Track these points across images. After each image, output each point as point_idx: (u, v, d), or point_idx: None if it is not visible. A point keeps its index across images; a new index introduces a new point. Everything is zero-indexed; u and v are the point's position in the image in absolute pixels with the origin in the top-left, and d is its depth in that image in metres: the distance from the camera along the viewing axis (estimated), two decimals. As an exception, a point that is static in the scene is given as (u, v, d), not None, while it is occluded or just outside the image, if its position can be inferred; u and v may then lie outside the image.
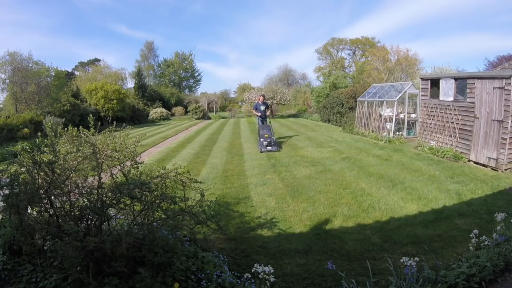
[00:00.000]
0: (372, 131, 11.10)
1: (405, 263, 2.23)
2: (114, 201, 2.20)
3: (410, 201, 4.54)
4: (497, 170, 6.05)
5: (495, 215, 3.04)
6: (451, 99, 7.57)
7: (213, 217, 2.78)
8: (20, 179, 2.10)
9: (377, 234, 3.59)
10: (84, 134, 2.41)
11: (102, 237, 2.02)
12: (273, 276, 2.13)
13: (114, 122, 3.14)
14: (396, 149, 8.31)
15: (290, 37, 71.83)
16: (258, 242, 3.44)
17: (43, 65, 17.99)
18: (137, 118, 26.01)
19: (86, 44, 64.10)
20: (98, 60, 39.22)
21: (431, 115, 8.35)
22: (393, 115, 10.26)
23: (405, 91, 10.27)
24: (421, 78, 9.27)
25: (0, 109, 17.52)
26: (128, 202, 2.27)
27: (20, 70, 16.76)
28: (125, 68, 40.98)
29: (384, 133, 10.27)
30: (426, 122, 8.61)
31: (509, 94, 5.80)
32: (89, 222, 2.30)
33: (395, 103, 10.19)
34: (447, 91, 7.74)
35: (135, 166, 2.47)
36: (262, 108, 9.81)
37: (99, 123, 16.22)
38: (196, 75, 50.50)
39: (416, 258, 2.24)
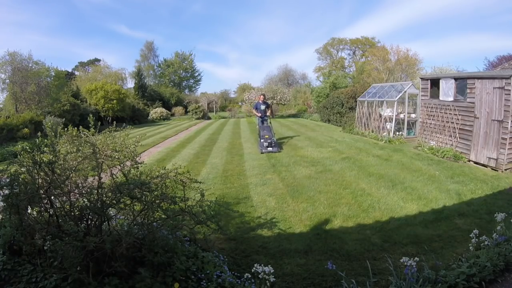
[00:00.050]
0: (372, 131, 11.10)
1: (405, 263, 2.23)
2: (114, 201, 2.20)
3: (410, 201, 4.54)
4: (497, 170, 6.05)
5: (495, 215, 3.03)
6: (451, 99, 7.57)
7: (213, 217, 2.78)
8: (20, 179, 2.10)
9: (377, 234, 3.59)
10: (84, 134, 2.41)
11: (102, 237, 2.02)
12: (273, 276, 2.13)
13: (114, 122, 3.14)
14: (396, 149, 8.31)
15: (290, 37, 71.94)
16: (258, 242, 3.44)
17: (43, 65, 18.00)
18: (137, 118, 26.01)
19: (86, 44, 64.23)
20: (98, 60, 39.25)
21: (431, 115, 8.35)
22: (393, 115, 10.26)
23: (405, 91, 10.28)
24: (421, 78, 9.27)
25: (0, 109, 17.53)
26: (128, 202, 2.27)
27: (20, 70, 16.76)
28: (125, 68, 41.05)
29: (384, 133, 10.27)
30: (426, 122, 8.61)
31: (509, 94, 5.80)
32: (89, 222, 2.30)
33: (395, 103, 10.19)
34: (447, 91, 7.74)
35: (135, 166, 2.47)
36: (263, 107, 9.59)
37: (99, 123, 16.21)
38: (196, 75, 50.55)
39: (416, 258, 2.24)
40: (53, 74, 18.84)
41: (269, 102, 12.33)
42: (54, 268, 2.02)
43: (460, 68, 17.60)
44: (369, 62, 26.68)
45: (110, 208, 2.28)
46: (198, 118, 25.91)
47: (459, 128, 7.26)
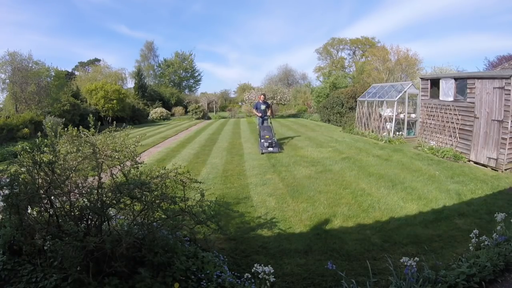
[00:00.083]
0: (372, 131, 11.10)
1: (405, 263, 2.23)
2: (114, 201, 2.20)
3: (410, 201, 4.54)
4: (497, 170, 6.05)
5: (495, 215, 3.03)
6: (451, 99, 7.57)
7: (213, 217, 2.78)
8: (20, 179, 2.10)
9: (377, 234, 3.59)
10: (84, 134, 2.41)
11: (102, 237, 2.02)
12: (273, 276, 2.13)
13: (114, 122, 3.14)
14: (396, 149, 8.31)
15: (290, 37, 71.94)
16: (258, 242, 3.44)
17: (43, 65, 18.00)
18: (137, 118, 26.01)
19: (86, 44, 64.24)
20: (98, 60, 39.25)
21: (431, 115, 8.35)
22: (393, 115, 10.26)
23: (405, 91, 10.28)
24: (421, 78, 9.27)
25: (0, 109, 17.53)
26: (128, 202, 2.27)
27: (20, 70, 16.77)
28: (125, 68, 41.06)
29: (384, 133, 10.27)
30: (426, 122, 8.61)
31: (509, 94, 5.80)
32: (89, 222, 2.30)
33: (395, 103, 10.19)
34: (447, 91, 7.74)
35: (135, 166, 2.47)
36: (263, 107, 9.47)
37: (99, 123, 16.23)
38: (196, 75, 50.54)
39: (416, 258, 2.24)
40: (53, 74, 18.85)
41: (269, 102, 12.22)
42: (54, 268, 2.02)
43: (460, 68, 17.63)
44: (369, 62, 26.68)
45: (110, 208, 2.28)
46: (198, 118, 25.91)
47: (459, 128, 7.26)
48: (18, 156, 2.22)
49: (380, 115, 10.91)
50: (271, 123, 9.51)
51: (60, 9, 56.59)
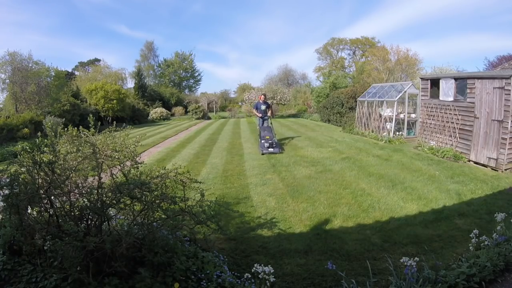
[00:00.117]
0: (372, 131, 11.10)
1: (405, 263, 2.23)
2: (114, 201, 2.20)
3: (410, 201, 4.54)
4: (497, 170, 6.05)
5: (495, 215, 3.03)
6: (451, 99, 7.57)
7: (213, 217, 2.78)
8: (20, 179, 2.10)
9: (377, 234, 3.59)
10: (84, 134, 2.41)
11: (102, 237, 2.02)
12: (273, 276, 2.13)
13: (114, 122, 3.14)
14: (396, 149, 8.31)
15: (290, 37, 71.92)
16: (258, 242, 3.44)
17: (43, 65, 18.01)
18: (137, 118, 26.01)
19: (86, 44, 64.22)
20: (98, 60, 39.25)
21: (431, 115, 8.35)
22: (393, 115, 10.26)
23: (405, 91, 10.28)
24: (421, 78, 9.27)
25: (0, 109, 17.53)
26: (128, 202, 2.27)
27: (20, 70, 16.77)
28: (125, 68, 41.07)
29: (384, 133, 10.27)
30: (426, 122, 8.61)
31: (509, 94, 5.80)
32: (89, 222, 2.30)
33: (395, 103, 10.19)
34: (447, 91, 7.74)
35: (135, 166, 2.47)
36: (263, 108, 9.35)
37: (99, 123, 16.23)
38: (196, 75, 50.52)
39: (416, 258, 2.24)
40: (53, 74, 18.86)
41: (269, 102, 12.15)
42: (54, 268, 2.02)
43: (460, 68, 17.63)
44: (369, 62, 26.69)
45: (110, 208, 2.28)
46: (198, 118, 25.91)
47: (459, 128, 7.26)
48: (18, 156, 2.22)
49: (380, 115, 10.91)
50: (271, 123, 9.43)
51: (60, 9, 56.68)
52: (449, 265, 2.67)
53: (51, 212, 2.22)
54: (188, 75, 49.41)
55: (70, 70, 35.08)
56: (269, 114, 9.47)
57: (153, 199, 2.29)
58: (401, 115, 10.42)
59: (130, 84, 35.16)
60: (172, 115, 30.30)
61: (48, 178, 2.14)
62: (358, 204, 4.46)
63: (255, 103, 10.04)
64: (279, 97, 25.23)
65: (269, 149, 8.24)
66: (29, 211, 2.24)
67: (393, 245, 3.32)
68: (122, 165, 2.42)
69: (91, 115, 2.65)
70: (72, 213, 2.26)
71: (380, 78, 20.61)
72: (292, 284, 2.69)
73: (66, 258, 1.92)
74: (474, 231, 2.91)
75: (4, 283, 2.03)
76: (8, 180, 2.08)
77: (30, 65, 17.35)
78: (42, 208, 2.23)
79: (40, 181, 2.16)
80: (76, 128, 2.41)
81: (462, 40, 52.64)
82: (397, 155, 7.61)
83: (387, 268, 2.58)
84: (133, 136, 2.81)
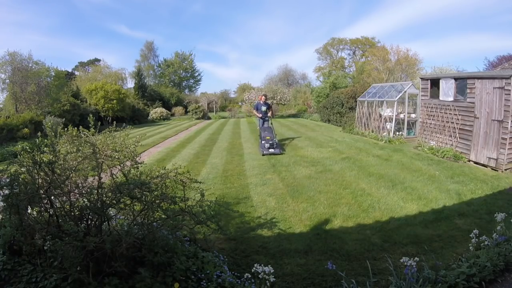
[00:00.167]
0: (372, 131, 11.10)
1: (405, 263, 2.23)
2: (114, 201, 2.20)
3: (410, 201, 4.54)
4: (497, 170, 6.05)
5: (495, 215, 3.03)
6: (451, 99, 7.57)
7: (213, 217, 2.78)
8: (20, 179, 2.10)
9: (377, 234, 3.59)
10: (84, 134, 2.41)
11: (102, 237, 2.02)
12: (273, 276, 2.13)
13: (114, 122, 3.14)
14: (396, 149, 8.31)
15: (290, 37, 71.96)
16: (258, 242, 3.44)
17: (43, 65, 18.01)
18: (137, 118, 26.01)
19: (86, 44, 64.23)
20: (98, 60, 39.26)
21: (431, 115, 8.35)
22: (393, 115, 10.26)
23: (405, 91, 10.28)
24: (421, 78, 9.27)
25: (0, 109, 17.53)
26: (128, 202, 2.27)
27: (20, 70, 16.77)
28: (125, 68, 41.09)
29: (384, 133, 10.27)
30: (426, 122, 8.61)
31: (509, 94, 5.80)
32: (89, 222, 2.30)
33: (395, 103, 10.19)
34: (447, 91, 7.74)
35: (135, 166, 2.47)
36: (264, 108, 9.24)
37: (99, 123, 16.17)
38: (196, 75, 50.52)
39: (416, 258, 2.24)
40: (53, 74, 18.85)
41: (269, 102, 12.08)
42: (54, 268, 2.02)
43: (460, 68, 17.64)
44: (369, 62, 26.69)
45: (110, 208, 2.28)
46: (198, 118, 25.91)
47: (459, 128, 7.26)
48: (18, 156, 2.22)
49: (380, 115, 10.91)
50: (271, 124, 9.33)
51: (60, 9, 56.68)
52: (449, 265, 2.67)
53: (51, 212, 2.22)
54: (188, 75, 49.41)
55: (70, 70, 35.13)
56: (269, 114, 9.37)
57: (153, 199, 2.29)
58: (401, 115, 10.42)
59: (130, 84, 35.23)
60: (172, 115, 30.30)
61: (48, 178, 2.14)
62: (358, 204, 4.46)
63: (256, 104, 9.92)
64: (279, 97, 25.24)
65: (270, 150, 8.16)
66: (29, 211, 2.24)
67: (393, 245, 3.32)
68: (122, 165, 2.42)
69: (91, 115, 2.65)
70: (72, 213, 2.26)
71: (380, 78, 20.61)
72: (292, 284, 2.69)
73: (66, 258, 1.92)
74: (474, 231, 2.91)
75: (4, 283, 2.03)
76: (8, 180, 2.08)
77: (30, 65, 17.36)
78: (42, 208, 2.23)
79: (40, 181, 2.16)
80: (76, 128, 2.41)
81: (462, 40, 52.72)
82: (397, 155, 7.61)
83: (387, 268, 2.58)
84: (133, 136, 2.81)
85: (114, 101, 22.56)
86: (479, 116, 6.58)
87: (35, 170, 2.13)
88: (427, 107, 8.54)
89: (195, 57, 55.85)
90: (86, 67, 38.91)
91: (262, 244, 3.41)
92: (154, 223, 2.37)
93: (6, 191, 2.06)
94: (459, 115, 7.23)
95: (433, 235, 3.52)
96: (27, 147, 2.16)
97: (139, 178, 2.42)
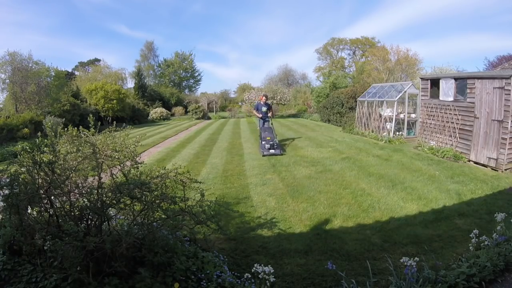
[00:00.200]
0: (372, 131, 11.10)
1: (405, 263, 2.23)
2: (114, 201, 2.20)
3: (410, 201, 4.54)
4: (497, 170, 6.05)
5: (495, 215, 3.03)
6: (451, 99, 7.57)
7: (213, 217, 2.78)
8: (20, 179, 2.10)
9: (377, 234, 3.59)
10: (84, 134, 2.41)
11: (102, 237, 2.02)
12: (273, 276, 2.13)
13: (114, 122, 3.14)
14: (396, 149, 8.31)
15: (290, 37, 71.92)
16: (258, 242, 3.45)
17: (43, 65, 18.01)
18: (137, 118, 26.01)
19: (86, 44, 64.19)
20: (98, 60, 39.26)
21: (431, 115, 8.35)
22: (393, 115, 10.26)
23: (405, 91, 10.28)
24: (421, 78, 9.27)
25: (0, 109, 17.53)
26: (128, 202, 2.27)
27: (20, 70, 16.77)
28: (125, 68, 41.08)
29: (384, 133, 10.27)
30: (426, 122, 8.61)
31: (509, 94, 5.80)
32: (89, 222, 2.30)
33: (395, 103, 10.19)
34: (447, 91, 7.74)
35: (135, 166, 2.47)
36: (264, 109, 9.13)
37: (99, 123, 16.19)
38: (196, 75, 50.51)
39: (416, 258, 2.24)
40: (53, 74, 18.86)
41: (269, 102, 12.04)
42: (54, 268, 2.02)
43: (460, 68, 17.63)
44: (369, 62, 26.68)
45: (110, 208, 2.28)
46: (198, 118, 25.91)
47: (459, 128, 7.26)
48: (18, 156, 2.22)
49: (380, 115, 10.91)
50: (272, 124, 9.25)
51: (60, 9, 56.65)
52: (449, 265, 2.67)
53: (51, 212, 2.22)
54: (188, 75, 49.40)
55: (70, 70, 35.12)
56: (269, 115, 9.29)
57: (153, 199, 2.29)
58: (401, 115, 10.42)
59: (130, 84, 35.22)
60: (172, 115, 30.29)
61: (48, 178, 2.14)
62: (358, 204, 4.46)
63: (256, 104, 9.85)
64: (279, 97, 25.24)
65: (270, 151, 8.10)
66: (29, 211, 2.24)
67: (393, 245, 3.32)
68: (122, 165, 2.43)
69: (91, 115, 2.65)
70: (72, 213, 2.26)
71: (380, 78, 20.60)
72: (292, 284, 2.69)
73: (66, 258, 1.92)
74: (474, 231, 2.91)
75: (4, 283, 2.03)
76: (8, 180, 2.08)
77: (30, 65, 17.36)
78: (42, 208, 2.23)
79: (40, 181, 2.16)
80: (76, 128, 2.41)
81: (462, 40, 52.69)
82: (397, 155, 7.61)
83: (387, 268, 2.58)
84: (133, 136, 2.81)
85: (114, 101, 22.56)
86: (479, 116, 6.58)
87: (35, 170, 2.13)
88: (427, 107, 8.54)
89: (195, 57, 55.99)
90: (86, 67, 38.91)
91: (262, 244, 3.41)
92: (154, 223, 2.37)
93: (6, 191, 2.06)
94: (459, 115, 7.23)
95: (433, 235, 3.52)
96: (27, 147, 2.16)
97: (139, 178, 2.42)
